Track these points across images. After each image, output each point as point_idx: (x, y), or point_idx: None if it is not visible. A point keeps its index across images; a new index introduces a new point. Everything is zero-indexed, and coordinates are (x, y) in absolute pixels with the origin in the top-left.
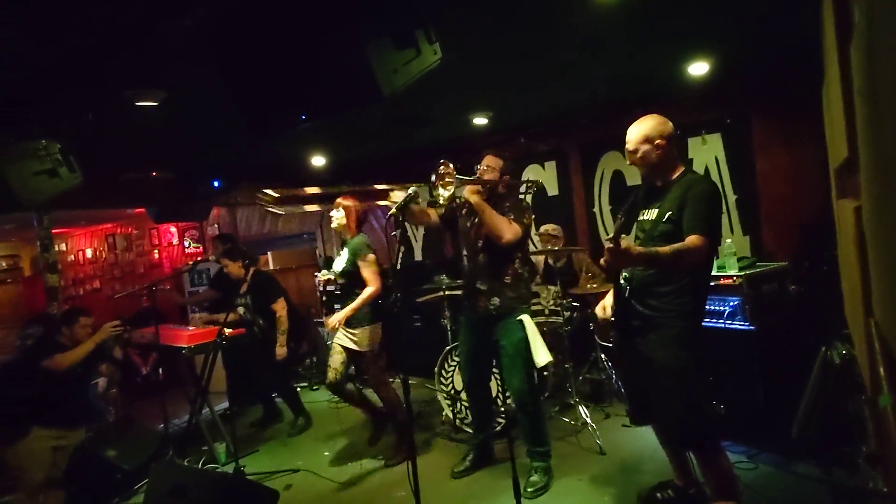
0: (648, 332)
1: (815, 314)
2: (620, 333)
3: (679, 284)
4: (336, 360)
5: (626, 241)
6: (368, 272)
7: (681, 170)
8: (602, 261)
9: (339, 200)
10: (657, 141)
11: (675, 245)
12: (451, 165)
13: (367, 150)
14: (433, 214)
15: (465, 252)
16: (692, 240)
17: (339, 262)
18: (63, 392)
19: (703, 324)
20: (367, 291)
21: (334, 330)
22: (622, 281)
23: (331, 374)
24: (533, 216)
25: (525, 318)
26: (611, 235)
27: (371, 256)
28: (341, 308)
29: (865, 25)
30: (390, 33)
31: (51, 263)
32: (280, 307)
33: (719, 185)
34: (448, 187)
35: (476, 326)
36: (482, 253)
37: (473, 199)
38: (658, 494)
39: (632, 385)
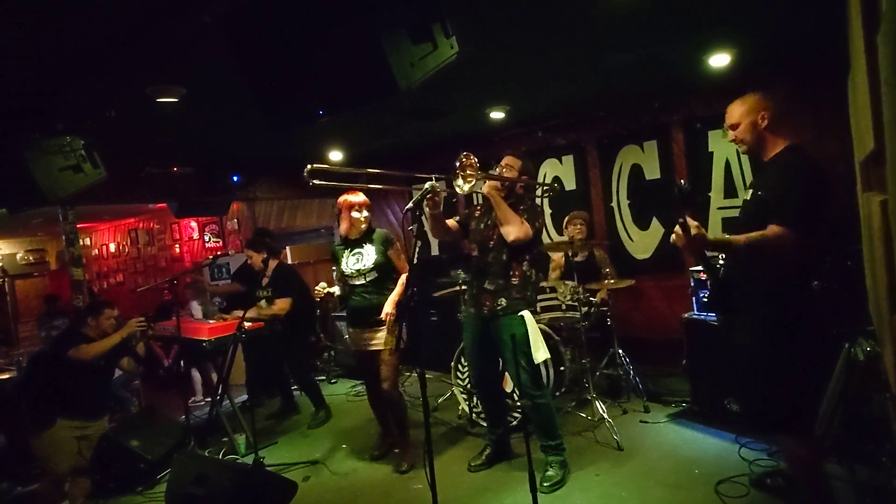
0: (744, 315)
1: (839, 310)
2: (723, 315)
3: (770, 271)
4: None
5: (698, 229)
6: (402, 261)
7: (781, 146)
8: (672, 239)
9: (363, 201)
10: (755, 121)
11: (751, 234)
12: (474, 158)
13: (385, 145)
14: (453, 223)
15: (474, 252)
16: (771, 229)
17: (366, 258)
18: (86, 384)
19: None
20: (404, 278)
21: (391, 317)
22: (717, 265)
23: (389, 376)
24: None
25: (526, 313)
26: (680, 220)
27: (398, 246)
28: (366, 305)
29: (893, 15)
30: (407, 27)
31: (76, 257)
32: (284, 304)
33: (740, 179)
34: (469, 179)
35: (479, 324)
36: (493, 252)
37: (490, 191)
38: (768, 480)
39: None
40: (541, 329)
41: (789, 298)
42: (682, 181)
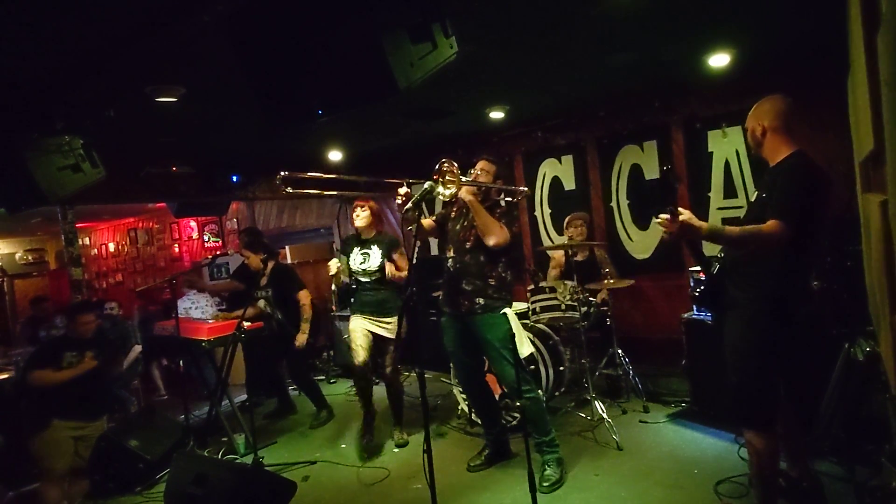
0: (730, 311)
1: (839, 310)
2: (713, 311)
3: (763, 268)
4: (364, 342)
5: (687, 215)
6: (405, 261)
7: (786, 153)
8: (664, 234)
9: (361, 202)
10: (754, 127)
11: (747, 227)
12: (455, 165)
13: (384, 145)
14: (429, 223)
15: (451, 253)
16: (767, 224)
17: (372, 259)
18: (80, 386)
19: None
20: (405, 273)
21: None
22: (714, 261)
23: (363, 355)
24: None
25: (508, 310)
26: (669, 208)
27: (403, 250)
28: (374, 299)
29: (893, 15)
30: (406, 27)
31: (75, 257)
32: (304, 296)
33: (740, 179)
34: (450, 186)
35: (458, 325)
36: (469, 254)
37: (469, 198)
38: None
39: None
40: (540, 329)
41: (781, 298)
42: (668, 167)
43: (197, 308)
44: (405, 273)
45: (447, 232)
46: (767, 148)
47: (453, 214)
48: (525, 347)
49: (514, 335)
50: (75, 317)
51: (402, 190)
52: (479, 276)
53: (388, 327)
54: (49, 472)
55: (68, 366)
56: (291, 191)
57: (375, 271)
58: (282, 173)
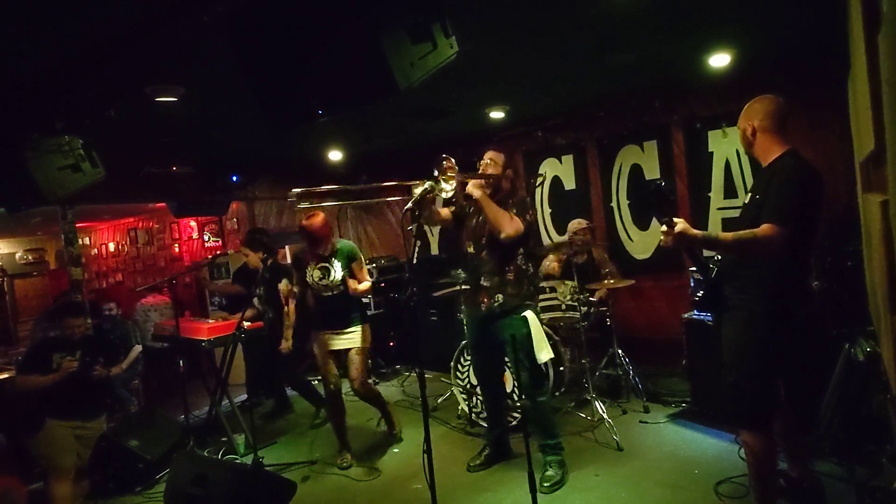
0: (728, 312)
1: (839, 310)
2: (714, 314)
3: (760, 269)
4: (332, 375)
5: (682, 225)
6: (364, 272)
7: (778, 153)
8: (661, 241)
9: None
10: (745, 127)
11: (741, 232)
12: (453, 160)
13: (384, 145)
14: (446, 213)
15: (469, 249)
16: (762, 228)
17: (334, 273)
18: (74, 386)
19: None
20: (368, 284)
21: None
22: (711, 264)
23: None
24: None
25: (529, 313)
26: (666, 218)
27: (361, 259)
28: (338, 310)
29: (894, 15)
30: (407, 27)
31: (75, 257)
32: (285, 287)
33: (740, 179)
34: (450, 181)
35: (480, 323)
36: (486, 249)
37: (476, 192)
38: None
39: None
40: None
41: (780, 298)
42: (658, 180)
43: (156, 311)
44: (367, 285)
45: (465, 228)
46: (758, 148)
47: (471, 209)
48: (544, 353)
49: (532, 339)
50: (62, 319)
51: (427, 184)
52: (497, 272)
53: (350, 337)
54: (56, 470)
55: (57, 367)
56: (308, 205)
57: (339, 283)
58: (294, 190)
